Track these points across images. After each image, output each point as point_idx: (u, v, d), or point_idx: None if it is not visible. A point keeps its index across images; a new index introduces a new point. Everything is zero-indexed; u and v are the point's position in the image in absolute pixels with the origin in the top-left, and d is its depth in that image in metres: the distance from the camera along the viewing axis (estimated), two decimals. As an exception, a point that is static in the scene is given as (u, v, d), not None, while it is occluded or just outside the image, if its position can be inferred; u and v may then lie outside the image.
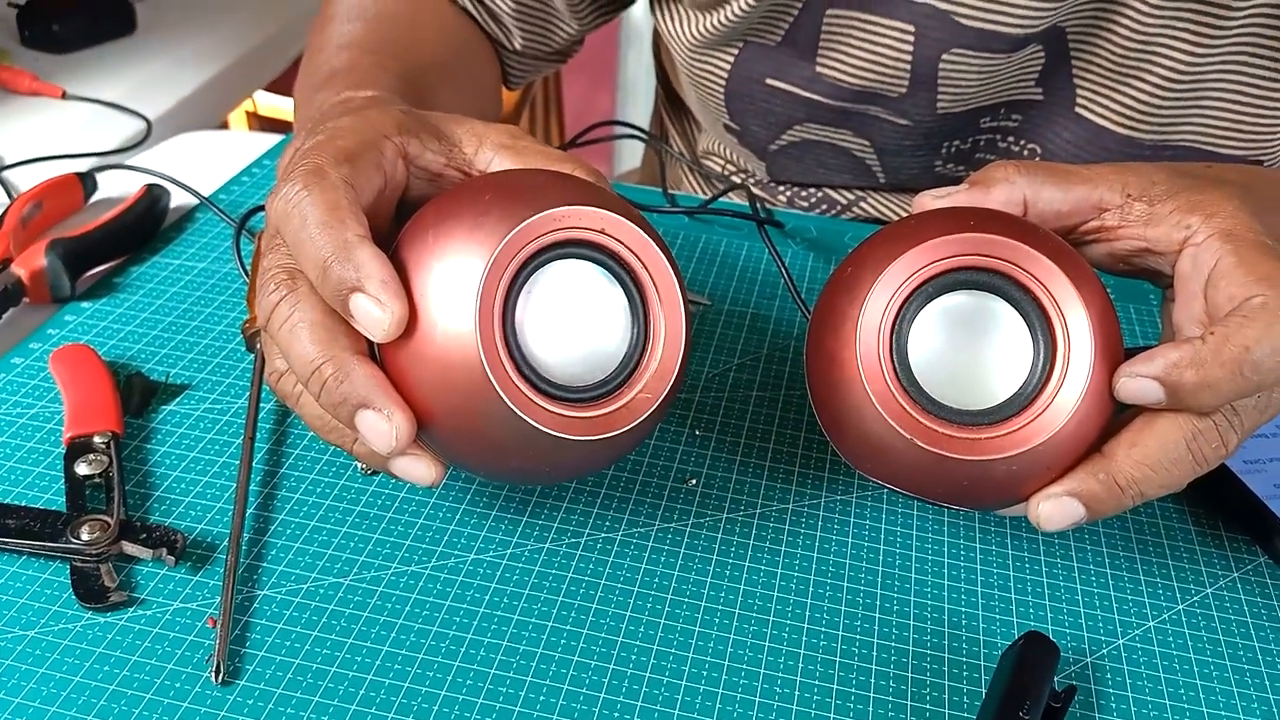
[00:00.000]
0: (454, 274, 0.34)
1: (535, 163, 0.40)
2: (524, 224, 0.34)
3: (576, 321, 0.36)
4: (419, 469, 0.36)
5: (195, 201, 0.61)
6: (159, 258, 0.57)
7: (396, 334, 0.34)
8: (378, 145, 0.38)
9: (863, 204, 0.66)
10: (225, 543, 0.41)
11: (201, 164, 0.66)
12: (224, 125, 1.25)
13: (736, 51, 0.59)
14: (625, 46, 1.98)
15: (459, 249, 0.34)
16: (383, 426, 0.34)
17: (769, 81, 0.59)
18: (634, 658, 0.38)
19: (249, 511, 0.42)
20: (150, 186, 0.59)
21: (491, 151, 0.40)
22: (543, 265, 0.35)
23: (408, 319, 0.34)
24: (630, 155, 1.96)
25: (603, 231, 0.36)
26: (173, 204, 0.60)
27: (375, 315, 0.34)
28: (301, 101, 0.53)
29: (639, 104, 1.95)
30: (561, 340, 0.36)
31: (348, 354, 0.35)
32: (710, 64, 0.60)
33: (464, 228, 0.35)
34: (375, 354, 0.36)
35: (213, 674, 0.36)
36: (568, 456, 0.36)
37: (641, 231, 0.36)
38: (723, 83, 0.61)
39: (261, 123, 1.40)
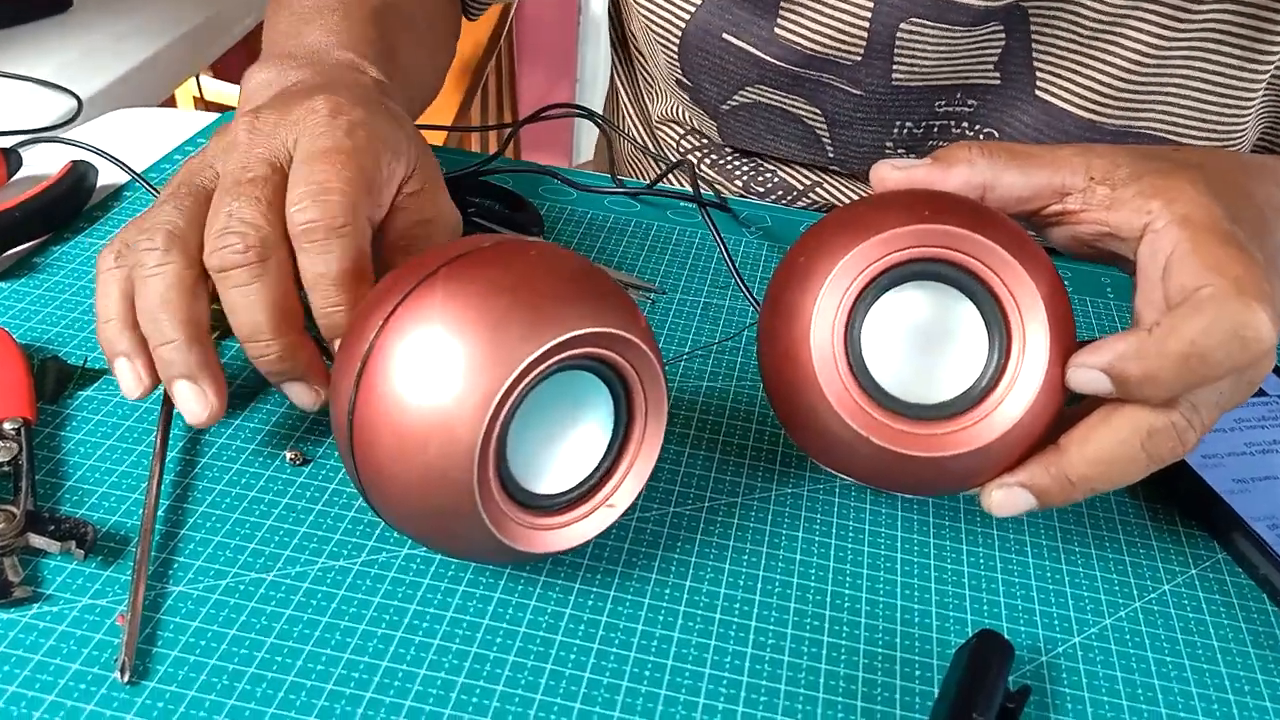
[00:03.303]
0: (466, 381, 0.32)
1: None
2: (546, 346, 0.32)
3: (562, 433, 0.36)
4: (303, 396, 0.40)
5: (123, 180, 0.58)
6: (83, 237, 0.54)
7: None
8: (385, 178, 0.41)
9: (819, 190, 0.65)
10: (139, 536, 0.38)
11: (134, 141, 0.63)
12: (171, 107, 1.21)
13: (699, 1, 0.58)
14: (584, 41, 1.96)
15: (474, 358, 0.32)
16: (306, 398, 0.40)
17: (725, 37, 0.58)
18: (573, 657, 0.36)
19: (166, 503, 0.40)
20: (76, 163, 0.56)
21: None
22: (546, 377, 0.34)
23: (398, 391, 0.33)
24: (586, 146, 1.94)
25: (612, 349, 0.35)
26: (101, 182, 0.58)
27: (268, 358, 0.38)
28: (289, 26, 0.51)
29: (598, 96, 1.93)
30: (542, 451, 0.35)
31: (294, 339, 0.38)
32: (669, 12, 0.59)
33: (483, 335, 0.32)
34: (352, 410, 0.34)
35: (120, 673, 0.34)
36: (519, 557, 0.36)
37: (647, 349, 0.35)
38: (679, 34, 0.59)
39: (209, 109, 1.37)
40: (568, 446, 0.36)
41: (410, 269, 0.35)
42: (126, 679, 0.34)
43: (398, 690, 0.34)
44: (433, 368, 0.32)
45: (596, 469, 0.36)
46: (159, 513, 0.39)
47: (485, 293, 0.33)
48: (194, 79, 1.29)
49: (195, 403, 0.38)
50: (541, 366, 0.33)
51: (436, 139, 0.99)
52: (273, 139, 0.40)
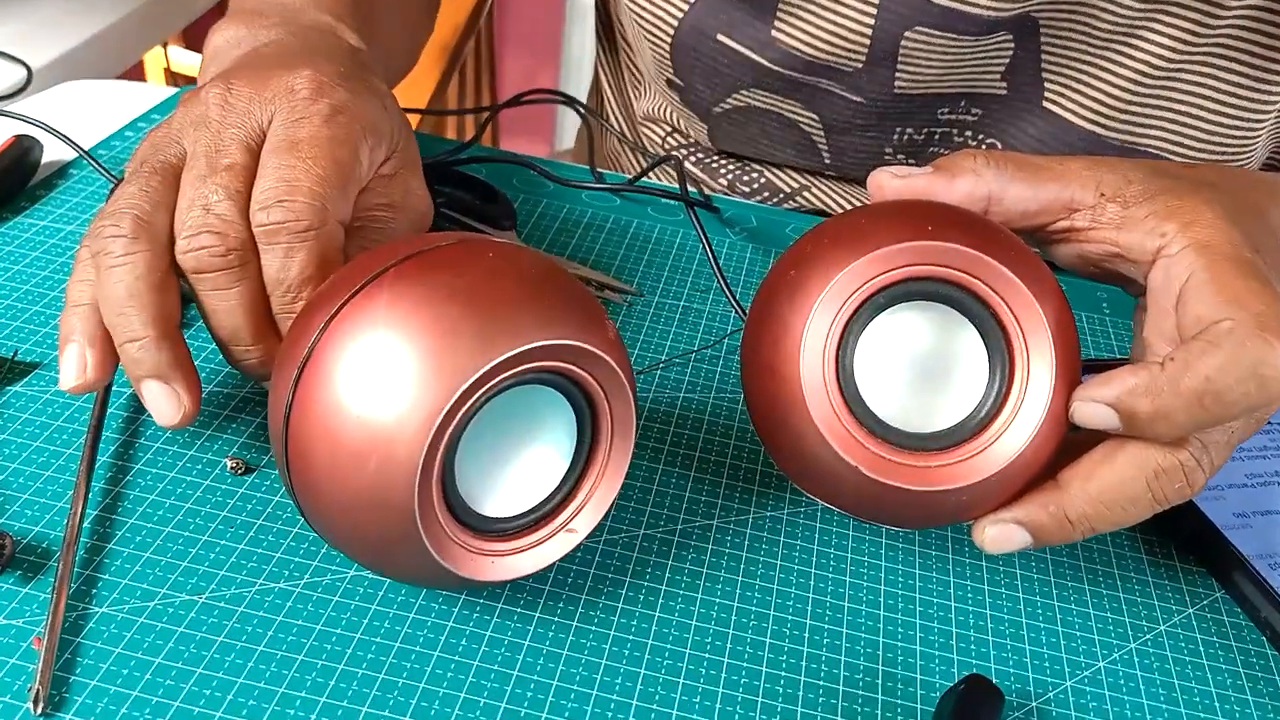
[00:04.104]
0: (410, 394, 0.29)
1: None
2: (500, 359, 0.30)
3: (518, 452, 0.33)
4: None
5: (70, 156, 0.55)
6: (23, 218, 0.51)
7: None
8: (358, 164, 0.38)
9: (807, 193, 0.62)
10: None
11: (85, 115, 0.60)
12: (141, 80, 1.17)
13: (693, 0, 0.55)
14: (570, 25, 1.93)
15: (420, 369, 0.29)
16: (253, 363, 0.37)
17: (720, 38, 0.55)
18: (530, 694, 0.33)
19: (93, 514, 0.37)
20: (20, 137, 0.53)
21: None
22: (500, 391, 0.31)
23: (337, 402, 0.30)
24: (569, 133, 1.91)
25: (575, 363, 0.32)
26: (46, 158, 0.54)
27: (249, 362, 0.36)
28: None
29: (583, 83, 1.90)
30: (496, 471, 0.33)
31: (274, 343, 0.36)
32: (661, 9, 0.56)
33: (432, 344, 0.29)
34: (288, 420, 0.31)
35: (32, 704, 0.31)
36: (468, 584, 0.33)
37: (614, 363, 0.32)
38: (670, 32, 0.56)
39: (178, 82, 1.32)
40: (524, 466, 0.33)
41: (358, 266, 0.32)
42: (40, 710, 0.31)
43: (337, 730, 0.31)
44: (375, 378, 0.29)
45: (556, 491, 0.34)
46: (85, 524, 0.36)
47: (436, 297, 0.30)
48: (163, 51, 1.25)
49: (167, 404, 0.35)
50: (494, 380, 0.30)
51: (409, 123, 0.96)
52: (247, 117, 0.37)
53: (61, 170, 0.54)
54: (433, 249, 0.32)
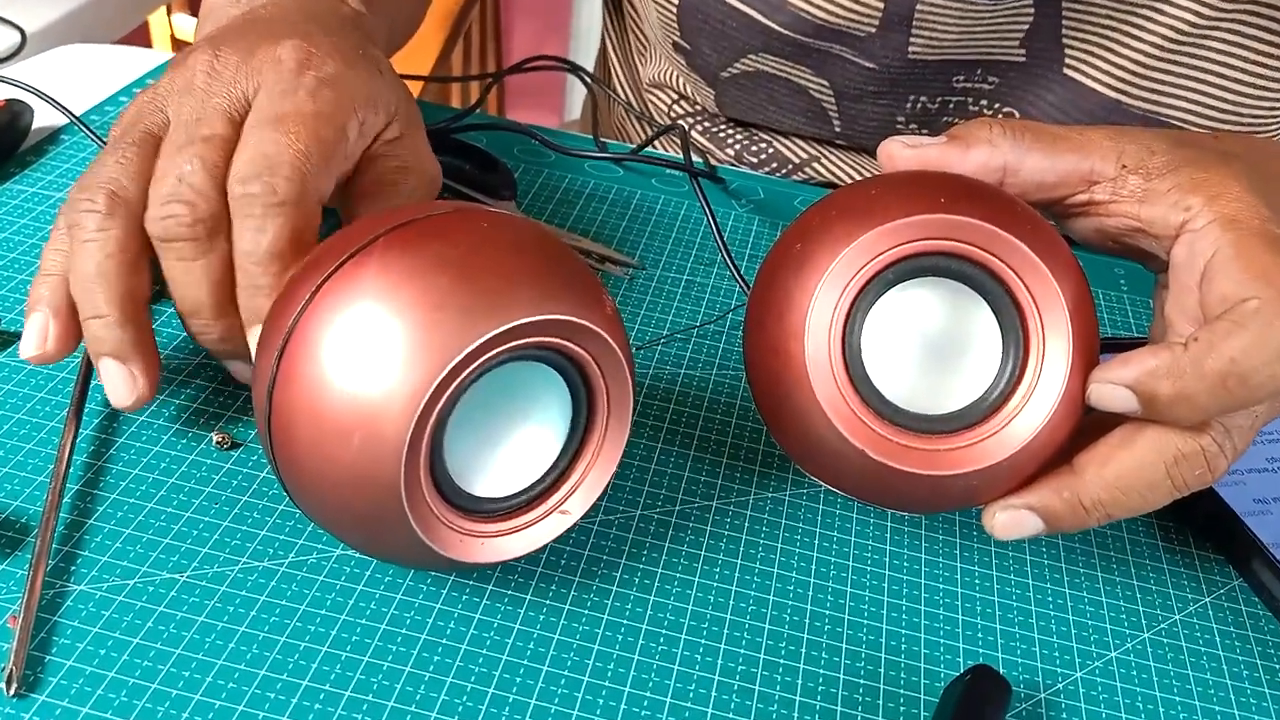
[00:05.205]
0: (397, 369, 0.28)
1: None
2: (491, 334, 0.28)
3: (510, 431, 0.32)
4: (247, 375, 0.36)
5: (62, 122, 0.53)
6: (12, 184, 0.49)
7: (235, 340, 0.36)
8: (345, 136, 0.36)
9: (817, 164, 0.60)
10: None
11: (79, 80, 0.58)
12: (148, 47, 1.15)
13: None
14: (581, -4, 1.90)
15: (408, 343, 0.28)
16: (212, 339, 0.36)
17: (728, 0, 0.53)
18: (519, 679, 0.32)
19: (74, 488, 0.36)
20: (10, 101, 0.52)
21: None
22: (492, 367, 0.30)
23: (321, 376, 0.29)
24: (578, 105, 1.88)
25: (570, 339, 0.30)
26: (37, 123, 0.53)
27: (208, 337, 0.35)
28: None
29: (593, 53, 1.87)
30: (487, 450, 0.31)
31: (235, 319, 0.35)
32: None
33: (420, 316, 0.28)
34: (271, 394, 0.30)
35: (5, 684, 0.30)
36: (457, 566, 0.32)
37: (611, 340, 0.31)
38: None
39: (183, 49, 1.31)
40: (517, 445, 0.32)
41: (348, 235, 0.31)
42: (13, 691, 0.30)
43: (318, 714, 0.30)
44: (361, 351, 0.28)
45: (549, 472, 0.32)
46: (65, 499, 0.35)
47: (426, 268, 0.29)
48: (168, 18, 1.23)
49: (122, 384, 0.34)
50: (485, 356, 0.29)
51: (412, 90, 0.94)
52: (233, 87, 0.36)
53: (52, 136, 0.53)
54: (425, 217, 0.31)
